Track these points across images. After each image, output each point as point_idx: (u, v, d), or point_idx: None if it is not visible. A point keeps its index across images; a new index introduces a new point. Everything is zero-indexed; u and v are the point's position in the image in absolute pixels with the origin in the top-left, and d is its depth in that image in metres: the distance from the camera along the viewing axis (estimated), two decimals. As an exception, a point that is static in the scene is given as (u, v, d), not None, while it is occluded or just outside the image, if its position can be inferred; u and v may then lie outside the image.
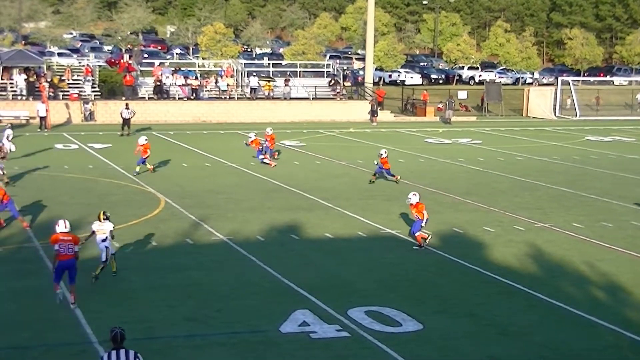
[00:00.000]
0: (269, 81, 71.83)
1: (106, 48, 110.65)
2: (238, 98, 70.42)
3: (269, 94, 70.65)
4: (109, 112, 63.51)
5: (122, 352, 14.04)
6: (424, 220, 28.09)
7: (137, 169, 40.38)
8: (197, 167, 43.89)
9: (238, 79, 72.72)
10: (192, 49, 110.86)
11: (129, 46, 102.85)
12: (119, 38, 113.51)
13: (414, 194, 28.85)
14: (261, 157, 44.26)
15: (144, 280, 23.74)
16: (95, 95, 65.88)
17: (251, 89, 70.61)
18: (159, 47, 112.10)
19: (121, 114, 56.51)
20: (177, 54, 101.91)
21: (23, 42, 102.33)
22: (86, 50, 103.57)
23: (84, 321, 20.19)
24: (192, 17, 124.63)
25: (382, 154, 39.50)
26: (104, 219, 23.62)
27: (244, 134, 58.03)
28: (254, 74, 72.82)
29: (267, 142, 45.03)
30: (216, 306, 21.64)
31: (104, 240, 23.47)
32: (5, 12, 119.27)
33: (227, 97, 70.07)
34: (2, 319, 20.30)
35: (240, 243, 27.99)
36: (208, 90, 70.50)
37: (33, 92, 62.86)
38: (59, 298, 21.39)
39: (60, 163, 43.31)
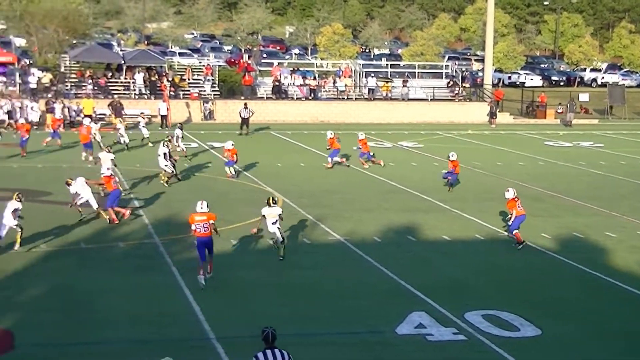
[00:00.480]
0: (387, 82, 71.73)
1: (226, 48, 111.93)
2: (356, 98, 70.49)
3: (386, 94, 70.57)
4: (228, 111, 64.27)
5: (277, 351, 14.07)
6: (512, 217, 28.08)
7: (229, 170, 40.43)
8: (314, 166, 44.07)
9: (356, 79, 72.79)
10: (311, 49, 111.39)
11: (248, 46, 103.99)
12: (239, 38, 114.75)
13: (507, 190, 28.65)
14: (335, 158, 43.72)
15: (261, 278, 23.95)
16: (214, 94, 66.75)
17: (369, 89, 70.63)
18: (278, 48, 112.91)
19: (240, 113, 57.17)
20: (295, 54, 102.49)
21: (146, 42, 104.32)
22: (206, 50, 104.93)
23: (202, 317, 20.49)
24: (311, 18, 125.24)
25: (450, 156, 38.06)
26: (272, 204, 25.97)
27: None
28: (372, 74, 72.79)
29: (360, 147, 44.51)
30: (333, 305, 21.72)
31: (274, 223, 25.87)
32: (129, 12, 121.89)
33: (345, 97, 70.21)
34: (124, 313, 20.75)
35: (357, 243, 28.02)
36: (326, 91, 70.75)
37: (155, 91, 64.03)
38: (202, 283, 22.83)
39: (181, 161, 43.93)
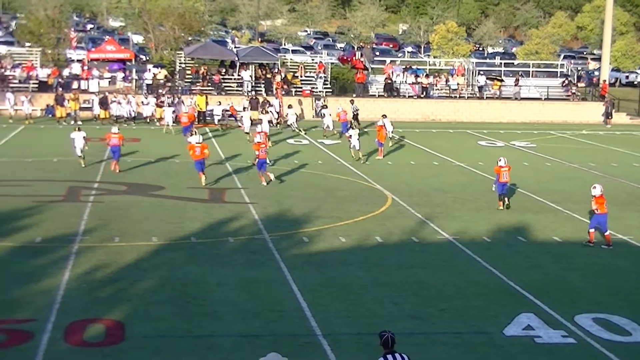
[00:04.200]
0: (495, 80, 70.76)
1: (339, 46, 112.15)
2: (468, 97, 69.90)
3: (496, 93, 69.65)
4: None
5: (397, 355, 13.77)
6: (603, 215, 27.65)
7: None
8: (424, 165, 43.88)
9: (469, 78, 72.14)
10: (424, 47, 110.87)
11: (361, 44, 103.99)
12: (352, 36, 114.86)
13: (593, 187, 28.16)
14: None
15: (369, 276, 23.94)
16: (326, 91, 66.95)
17: (479, 87, 69.91)
18: (391, 45, 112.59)
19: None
20: (408, 52, 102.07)
21: (259, 39, 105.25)
22: (319, 48, 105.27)
23: (309, 313, 20.57)
24: (425, 16, 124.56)
25: (503, 162, 33.60)
26: (354, 127, 40.41)
27: (473, 133, 57.71)
28: (481, 72, 71.97)
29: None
30: (440, 305, 21.60)
31: (358, 139, 43.91)
32: (244, 10, 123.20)
33: (457, 96, 69.68)
34: (232, 307, 20.97)
35: (466, 243, 27.80)
36: (438, 89, 70.30)
37: (269, 87, 64.51)
38: (264, 185, 35.94)
39: (291, 157, 44.30)
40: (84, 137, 40.02)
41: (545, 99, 70.16)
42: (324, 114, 54.64)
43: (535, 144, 53.55)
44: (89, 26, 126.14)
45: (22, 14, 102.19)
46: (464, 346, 18.90)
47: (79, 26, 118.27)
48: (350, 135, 44.21)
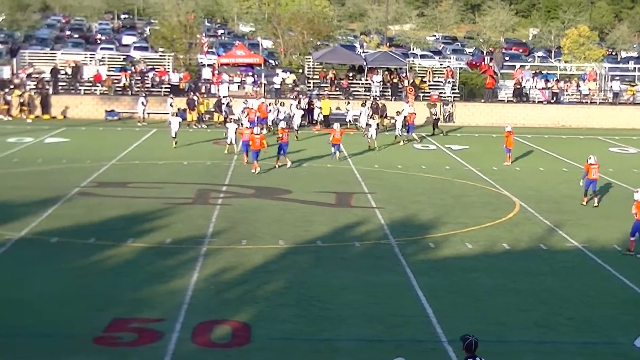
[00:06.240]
0: (631, 85, 69.16)
1: (467, 50, 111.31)
2: (600, 103, 68.46)
3: (630, 98, 67.97)
4: (468, 113, 63.85)
5: None
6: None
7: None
8: (554, 171, 43.15)
9: (601, 83, 70.64)
10: (554, 52, 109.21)
11: (490, 49, 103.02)
12: (481, 40, 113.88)
13: (636, 191, 27.30)
14: None
15: (495, 283, 23.70)
16: (454, 96, 66.50)
17: (614, 93, 68.40)
18: (521, 50, 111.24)
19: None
20: (538, 57, 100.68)
21: (388, 44, 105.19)
22: (448, 52, 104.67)
23: (434, 320, 20.46)
24: (556, 20, 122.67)
25: (589, 160, 34.18)
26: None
27: (604, 139, 56.53)
28: (616, 78, 70.38)
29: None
30: (569, 314, 21.24)
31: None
32: (373, 15, 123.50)
33: (589, 101, 68.34)
34: (356, 311, 21.03)
35: (596, 251, 27.24)
36: (569, 94, 69.08)
37: (396, 92, 64.46)
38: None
39: (418, 162, 44.14)
40: (179, 122, 47.71)
41: (683, 104, 68.13)
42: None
43: (670, 151, 52.14)
44: (220, 31, 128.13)
45: (155, 20, 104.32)
46: (593, 357, 18.56)
47: (210, 32, 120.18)
48: (370, 125, 48.64)
